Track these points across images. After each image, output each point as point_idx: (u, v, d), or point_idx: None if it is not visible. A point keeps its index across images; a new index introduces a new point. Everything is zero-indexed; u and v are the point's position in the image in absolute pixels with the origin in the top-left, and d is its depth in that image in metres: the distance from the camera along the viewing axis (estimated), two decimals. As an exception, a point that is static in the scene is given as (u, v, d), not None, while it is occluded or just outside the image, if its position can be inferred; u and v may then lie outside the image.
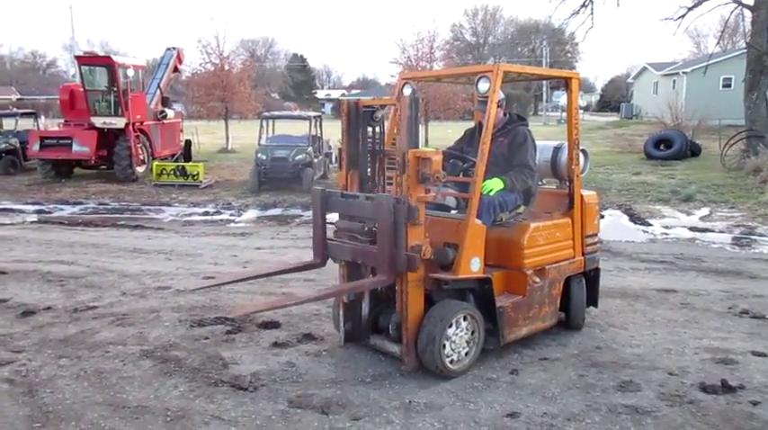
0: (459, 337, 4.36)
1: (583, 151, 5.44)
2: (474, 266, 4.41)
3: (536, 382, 4.35)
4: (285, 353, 4.82)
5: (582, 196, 5.31)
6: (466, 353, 4.45)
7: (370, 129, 4.69)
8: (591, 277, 5.46)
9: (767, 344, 5.07)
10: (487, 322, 4.54)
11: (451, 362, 4.35)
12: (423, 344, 4.24)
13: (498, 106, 4.77)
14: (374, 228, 4.34)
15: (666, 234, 10.34)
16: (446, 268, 4.40)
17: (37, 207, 13.39)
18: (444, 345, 4.27)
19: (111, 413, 3.90)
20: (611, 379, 4.40)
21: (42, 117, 23.27)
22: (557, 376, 4.46)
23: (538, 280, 4.85)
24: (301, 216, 12.36)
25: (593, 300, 5.53)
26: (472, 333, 4.46)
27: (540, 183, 5.56)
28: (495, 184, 4.68)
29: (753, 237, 9.94)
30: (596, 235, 5.51)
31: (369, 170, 4.71)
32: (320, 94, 75.90)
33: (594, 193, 5.59)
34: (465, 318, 4.39)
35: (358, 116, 4.62)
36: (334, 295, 4.83)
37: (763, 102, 17.88)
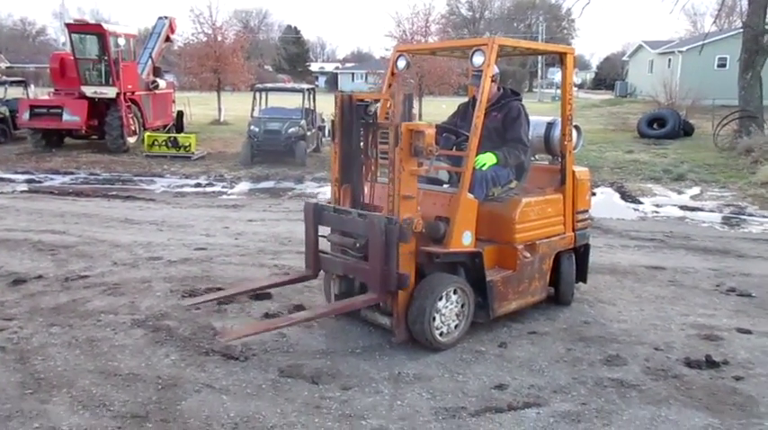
0: (449, 310, 4.40)
1: (576, 127, 5.44)
2: (465, 240, 4.44)
3: (524, 355, 4.41)
4: (276, 324, 4.85)
5: (574, 172, 5.33)
6: (455, 326, 4.50)
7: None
8: (581, 253, 5.51)
9: (752, 321, 5.15)
10: (477, 296, 4.58)
11: (441, 334, 4.39)
12: (413, 317, 4.27)
13: (492, 81, 4.75)
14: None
15: (657, 212, 10.40)
16: (438, 241, 4.42)
17: (27, 176, 13.30)
18: (434, 318, 4.30)
19: (103, 380, 3.93)
20: (598, 353, 4.47)
21: (32, 86, 22.98)
22: (545, 350, 4.52)
23: (528, 255, 4.89)
24: (294, 189, 12.34)
25: (582, 275, 5.58)
26: (462, 306, 4.50)
27: (532, 158, 5.57)
28: (488, 159, 4.69)
29: (742, 216, 10.02)
30: (587, 211, 5.55)
31: (361, 144, 4.70)
32: (314, 66, 75.16)
33: (586, 170, 5.61)
34: (455, 292, 4.42)
35: (351, 111, 4.58)
36: (328, 314, 4.76)
37: (758, 82, 17.86)
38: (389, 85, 5.46)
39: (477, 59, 4.53)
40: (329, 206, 4.69)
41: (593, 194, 11.51)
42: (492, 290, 4.63)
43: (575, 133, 5.40)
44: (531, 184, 5.32)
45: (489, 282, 4.61)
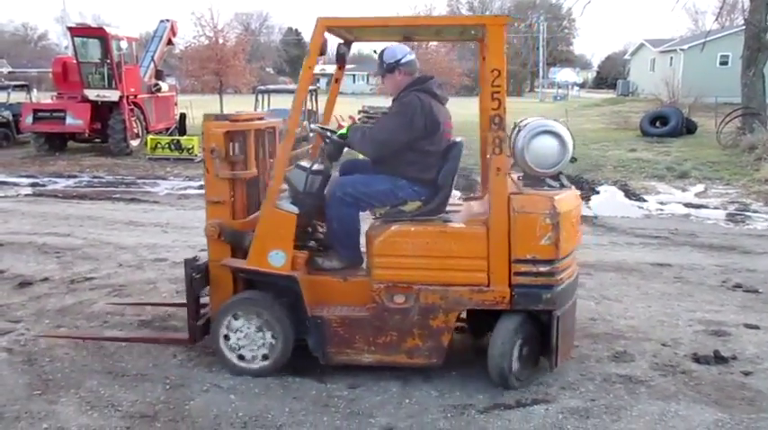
0: (245, 334, 3.96)
1: (556, 135, 3.96)
2: (274, 260, 3.84)
3: (531, 353, 4.39)
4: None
5: (510, 198, 3.67)
6: (263, 356, 3.97)
7: None
8: (545, 321, 3.84)
9: (759, 316, 5.14)
10: (301, 330, 3.95)
11: (241, 358, 4.00)
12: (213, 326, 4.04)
13: (399, 72, 4.05)
14: None
15: (661, 210, 10.37)
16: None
17: (31, 180, 13.30)
18: (228, 336, 3.97)
19: (111, 381, 3.93)
20: (605, 349, 4.46)
21: (35, 90, 23.01)
22: (552, 347, 4.50)
23: (399, 299, 3.80)
24: (297, 190, 12.31)
25: (547, 351, 3.87)
26: (262, 334, 3.94)
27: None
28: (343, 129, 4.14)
29: (747, 213, 9.99)
30: (544, 261, 3.68)
31: None
32: (315, 68, 75.14)
33: (550, 196, 3.75)
34: (240, 315, 3.95)
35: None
36: (137, 341, 4.45)
37: (760, 79, 17.83)
38: (336, 80, 4.96)
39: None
40: None
41: (597, 193, 11.55)
42: (320, 329, 3.85)
43: (556, 141, 3.94)
44: (467, 212, 4.18)
45: (314, 318, 3.85)
